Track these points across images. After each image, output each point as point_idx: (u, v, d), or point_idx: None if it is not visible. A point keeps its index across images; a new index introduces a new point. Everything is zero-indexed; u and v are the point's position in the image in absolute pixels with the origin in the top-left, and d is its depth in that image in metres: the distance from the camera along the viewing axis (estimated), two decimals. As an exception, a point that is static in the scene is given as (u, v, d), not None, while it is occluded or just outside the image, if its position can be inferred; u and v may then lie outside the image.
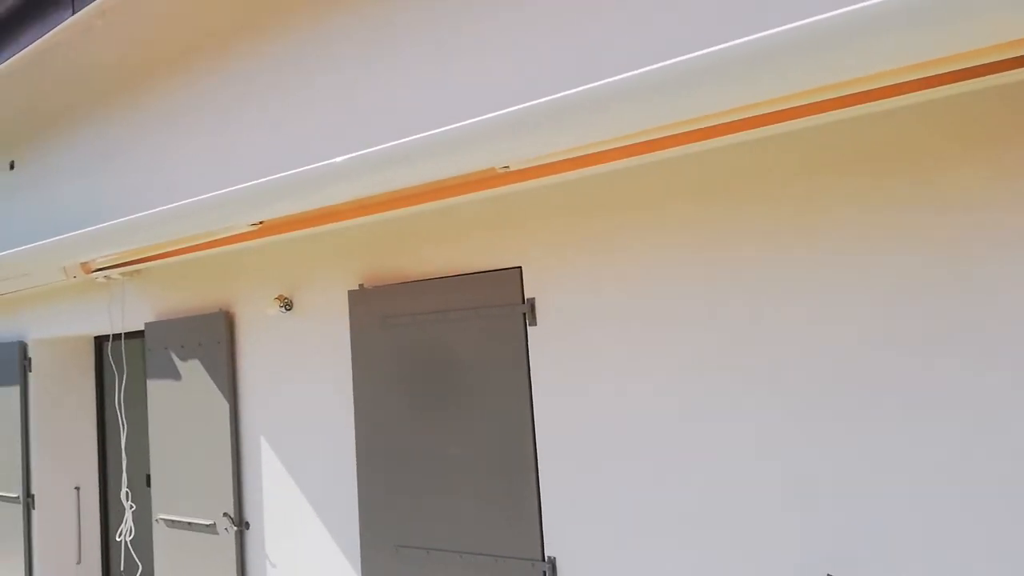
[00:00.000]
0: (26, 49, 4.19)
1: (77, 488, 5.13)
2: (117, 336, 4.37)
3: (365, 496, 3.12)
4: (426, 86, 2.94)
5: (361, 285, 3.20)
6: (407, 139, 2.10)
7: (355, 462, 3.18)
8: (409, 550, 2.97)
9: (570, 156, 2.20)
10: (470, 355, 2.85)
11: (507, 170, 2.28)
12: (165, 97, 4.11)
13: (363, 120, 3.18)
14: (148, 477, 4.84)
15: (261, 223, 3.13)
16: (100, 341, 5.30)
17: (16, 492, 4.97)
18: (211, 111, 3.85)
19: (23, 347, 5.02)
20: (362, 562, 3.12)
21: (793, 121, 1.94)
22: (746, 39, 1.50)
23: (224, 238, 3.46)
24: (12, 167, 5.25)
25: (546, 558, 2.65)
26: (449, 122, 2.08)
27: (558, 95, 1.67)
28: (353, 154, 2.22)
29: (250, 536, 3.64)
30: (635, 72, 1.54)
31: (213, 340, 3.78)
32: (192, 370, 3.87)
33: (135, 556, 4.29)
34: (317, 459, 3.39)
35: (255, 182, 2.48)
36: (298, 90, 3.45)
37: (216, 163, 3.80)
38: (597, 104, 1.60)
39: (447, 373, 2.90)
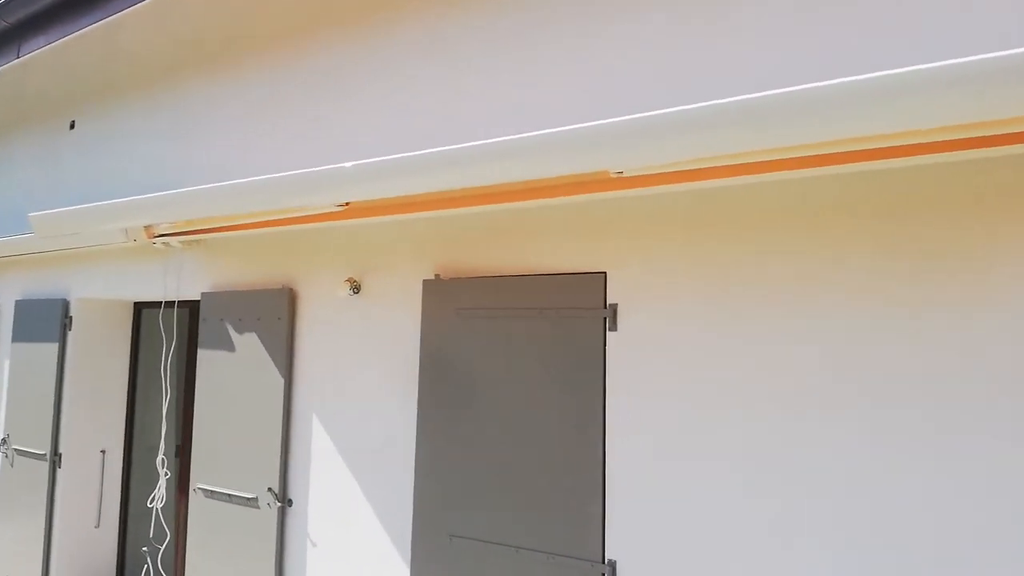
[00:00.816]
0: (109, 18, 4.26)
1: (103, 451, 5.15)
2: (168, 303, 4.40)
3: (422, 483, 3.16)
4: (555, 85, 3.02)
5: (437, 275, 3.25)
6: (533, 133, 2.16)
7: (414, 449, 3.22)
8: (463, 540, 3.01)
9: (683, 168, 2.27)
10: (544, 353, 2.91)
11: (620, 175, 2.35)
12: (244, 74, 4.17)
13: (458, 116, 3.25)
14: (178, 447, 4.87)
15: (347, 204, 3.19)
16: (139, 307, 5.34)
17: (44, 450, 4.98)
18: (292, 94, 3.92)
19: (65, 305, 5.05)
20: (412, 548, 3.15)
21: (905, 159, 2.01)
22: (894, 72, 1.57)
23: (297, 217, 3.52)
24: (72, 127, 5.30)
25: (606, 560, 2.70)
26: (569, 121, 2.16)
27: (712, 103, 1.74)
28: (475, 143, 2.27)
29: (292, 513, 3.67)
30: (807, 87, 1.62)
31: (273, 316, 3.82)
32: (247, 343, 3.91)
33: (164, 524, 4.31)
34: (371, 443, 3.43)
35: (372, 159, 2.52)
36: (386, 80, 3.52)
37: (296, 142, 3.87)
38: (755, 116, 1.67)
39: (519, 369, 2.96)
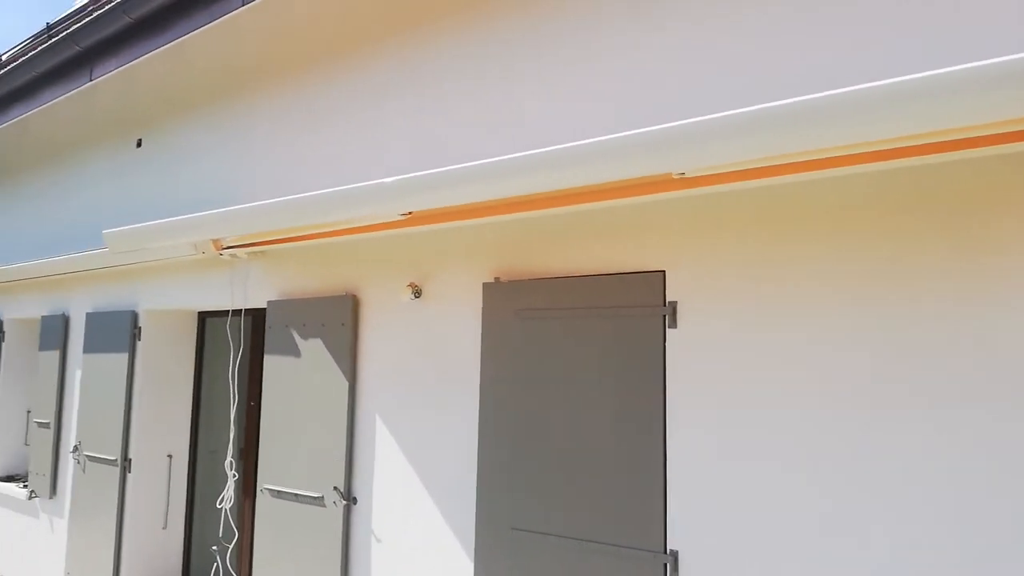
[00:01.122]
0: (175, 41, 4.50)
1: (169, 456, 5.36)
2: (236, 312, 4.59)
3: (485, 477, 3.26)
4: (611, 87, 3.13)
5: (497, 278, 3.37)
6: (606, 137, 2.25)
7: (476, 445, 3.33)
8: (525, 533, 3.10)
9: (746, 167, 2.35)
10: (604, 352, 3.00)
11: (682, 176, 2.44)
12: (300, 91, 4.37)
13: (513, 120, 3.38)
14: (241, 450, 5.05)
15: (410, 214, 3.33)
16: (203, 317, 5.56)
17: (115, 455, 5.20)
18: (354, 104, 4.10)
19: (134, 316, 5.29)
20: (476, 542, 3.25)
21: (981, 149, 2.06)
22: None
23: (360, 227, 3.67)
24: (139, 145, 5.57)
25: (668, 551, 2.76)
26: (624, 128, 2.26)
27: (785, 102, 1.83)
28: (536, 151, 2.38)
29: (357, 511, 3.80)
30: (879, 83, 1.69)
31: (337, 321, 3.98)
32: (312, 348, 4.07)
33: (233, 523, 4.47)
34: (434, 441, 3.54)
35: (442, 168, 2.66)
36: (439, 86, 3.67)
37: (355, 157, 4.04)
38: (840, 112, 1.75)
39: (579, 367, 3.05)
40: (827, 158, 2.22)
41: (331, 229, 3.72)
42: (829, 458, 2.48)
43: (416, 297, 3.69)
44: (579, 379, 3.05)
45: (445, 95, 3.70)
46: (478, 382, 3.38)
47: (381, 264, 3.91)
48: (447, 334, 3.56)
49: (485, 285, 3.40)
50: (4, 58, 7.15)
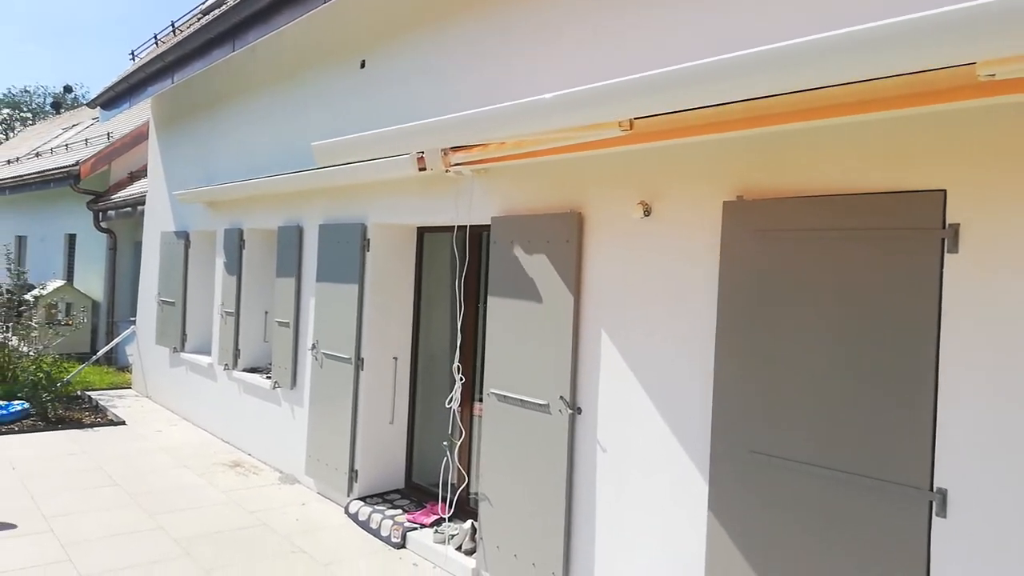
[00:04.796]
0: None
1: (395, 358, 5.83)
2: (461, 227, 4.79)
3: (722, 396, 3.24)
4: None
5: (739, 197, 3.24)
6: (899, 19, 2.01)
7: (712, 363, 3.29)
8: (766, 458, 3.07)
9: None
10: (863, 274, 2.81)
11: (991, 78, 2.16)
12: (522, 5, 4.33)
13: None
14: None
15: (631, 127, 3.24)
16: (421, 232, 5.88)
17: (348, 355, 5.74)
18: (574, 20, 4.01)
19: (364, 229, 5.70)
20: (711, 462, 3.27)
21: None
22: None
23: (584, 143, 3.64)
24: (363, 66, 5.84)
25: (935, 488, 2.62)
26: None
27: None
28: (833, 32, 2.16)
29: (582, 420, 3.95)
30: None
31: (561, 238, 4.04)
32: (536, 264, 4.18)
33: (461, 424, 4.83)
34: (663, 357, 3.56)
35: (662, 70, 2.54)
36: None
37: (583, 68, 3.98)
38: None
39: (831, 289, 2.89)
40: None
41: (555, 145, 3.73)
42: None
43: (646, 215, 3.64)
44: (832, 301, 2.90)
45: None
46: (715, 301, 3.31)
47: (608, 181, 3.89)
48: (680, 252, 3.51)
49: (726, 203, 3.28)
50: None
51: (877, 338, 2.77)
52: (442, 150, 4.43)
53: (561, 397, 3.99)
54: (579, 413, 3.96)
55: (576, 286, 3.98)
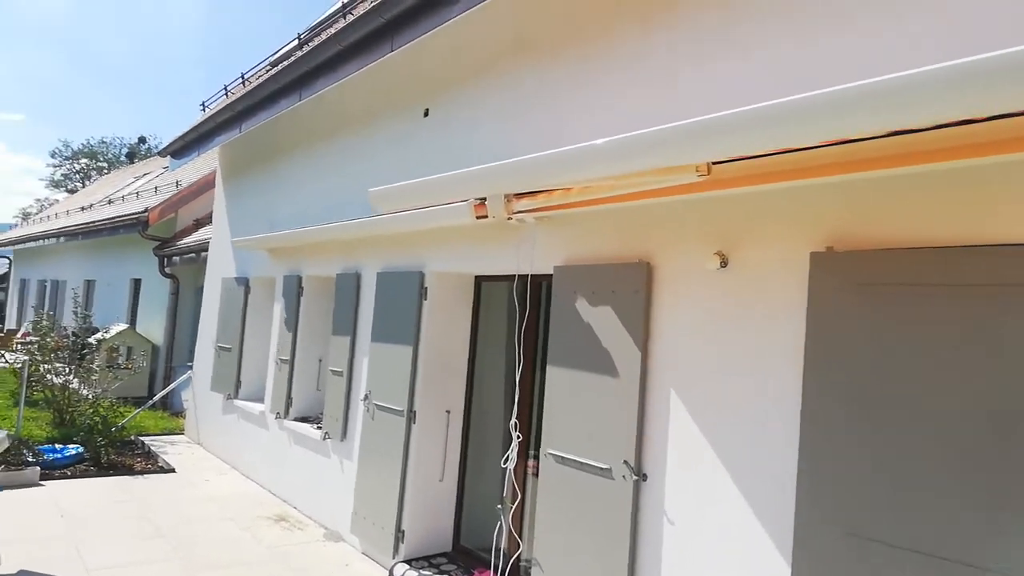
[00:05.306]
0: (467, 11, 4.54)
1: (448, 411, 5.60)
2: (521, 277, 4.59)
3: (811, 467, 2.89)
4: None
5: (829, 247, 2.96)
6: None
7: (798, 428, 2.97)
8: (868, 543, 2.70)
9: None
10: (997, 340, 2.47)
11: None
12: (610, 50, 4.20)
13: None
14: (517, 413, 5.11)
15: (708, 172, 3.01)
16: (479, 281, 5.71)
17: (401, 406, 5.54)
18: (644, 68, 3.85)
19: (421, 277, 5.56)
20: (796, 542, 2.92)
21: None
22: None
23: (656, 190, 3.43)
24: (426, 114, 5.80)
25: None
26: None
27: None
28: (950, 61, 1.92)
29: (647, 488, 3.63)
30: None
31: (629, 289, 3.80)
32: (600, 316, 3.94)
33: (516, 485, 4.54)
34: (740, 420, 3.25)
35: (736, 109, 2.31)
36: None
37: (651, 116, 3.80)
38: None
39: (954, 355, 2.56)
40: None
41: (624, 191, 3.52)
42: None
43: (723, 266, 3.38)
44: (954, 366, 2.56)
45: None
46: (801, 359, 3.00)
47: (680, 230, 3.66)
48: (761, 306, 3.22)
49: (813, 255, 3.00)
50: (303, 37, 7.89)
51: (1013, 414, 2.42)
52: (505, 197, 4.27)
53: (625, 461, 3.69)
54: (644, 480, 3.65)
55: (643, 341, 3.71)
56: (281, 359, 7.73)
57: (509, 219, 4.40)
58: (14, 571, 4.96)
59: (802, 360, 3.00)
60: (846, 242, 2.93)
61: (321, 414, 7.12)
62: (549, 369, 4.25)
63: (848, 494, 2.77)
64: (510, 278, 4.86)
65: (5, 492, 6.84)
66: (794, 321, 3.08)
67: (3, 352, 10.63)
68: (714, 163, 2.97)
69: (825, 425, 2.88)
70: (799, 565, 2.90)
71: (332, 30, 6.28)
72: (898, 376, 2.68)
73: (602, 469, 3.81)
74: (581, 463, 3.93)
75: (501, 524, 4.69)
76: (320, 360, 7.59)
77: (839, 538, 2.78)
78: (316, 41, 6.53)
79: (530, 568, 4.31)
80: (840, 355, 2.86)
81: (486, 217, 4.48)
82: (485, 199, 4.44)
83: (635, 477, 3.65)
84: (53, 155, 51.27)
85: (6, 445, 6.36)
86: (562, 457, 4.05)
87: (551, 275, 4.37)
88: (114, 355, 12.34)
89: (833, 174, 2.84)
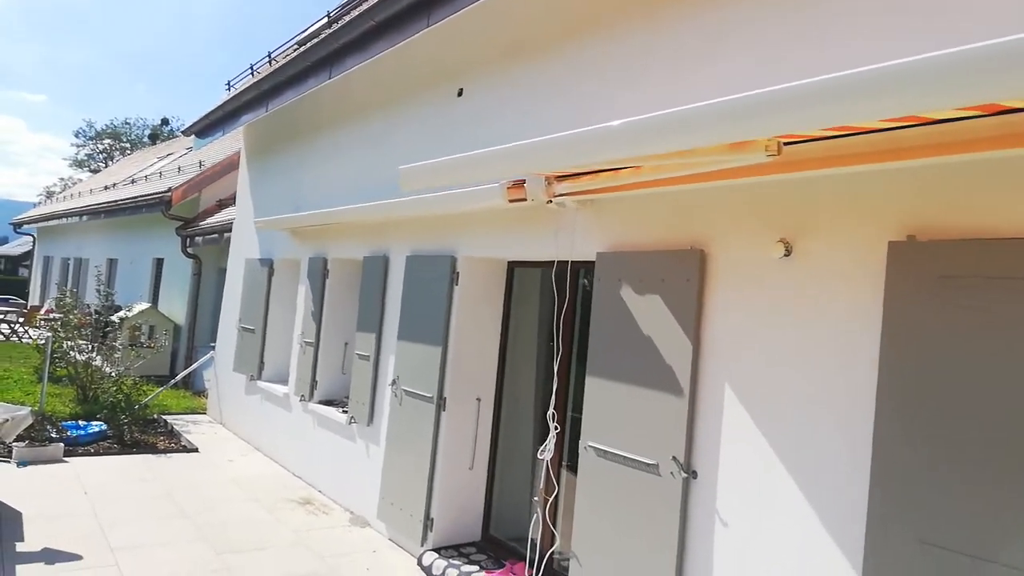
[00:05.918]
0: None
1: (478, 399, 5.46)
2: (560, 263, 4.41)
3: (884, 470, 2.70)
4: None
5: (911, 236, 2.76)
6: None
7: (871, 428, 2.77)
8: (945, 553, 2.51)
9: None
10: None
11: None
12: (653, 26, 3.99)
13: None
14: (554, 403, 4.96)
15: (779, 153, 2.79)
16: (511, 267, 5.54)
17: (431, 393, 5.40)
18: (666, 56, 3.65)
19: (453, 262, 5.40)
20: (866, 551, 2.74)
21: None
22: None
23: (713, 172, 3.24)
24: (460, 94, 5.62)
25: None
26: None
27: None
28: None
29: (697, 486, 3.46)
30: None
31: (679, 278, 3.62)
32: (647, 305, 3.76)
33: (553, 477, 4.39)
34: (804, 419, 3.07)
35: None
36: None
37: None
38: None
39: (1038, 354, 2.37)
40: None
41: (679, 174, 3.31)
42: None
43: (787, 255, 3.19)
44: (1036, 369, 2.37)
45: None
46: (875, 358, 2.81)
47: (737, 215, 3.46)
48: (829, 299, 3.03)
49: (892, 244, 2.80)
50: (332, 15, 7.71)
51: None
52: (546, 179, 4.07)
53: (673, 458, 3.52)
54: (694, 478, 3.48)
55: (695, 332, 3.53)
56: (306, 341, 7.62)
57: (549, 202, 4.22)
58: (38, 548, 4.90)
59: (874, 357, 2.80)
60: (931, 231, 2.72)
61: (346, 398, 7.01)
62: (590, 359, 4.08)
63: (925, 500, 2.58)
64: (544, 264, 4.68)
65: (29, 467, 6.81)
66: (865, 315, 2.88)
67: (27, 328, 10.61)
68: (786, 143, 2.77)
69: (902, 429, 2.68)
70: (868, 572, 2.72)
71: (365, 6, 6.09)
72: (982, 377, 2.49)
73: (648, 465, 3.64)
74: (624, 457, 3.77)
75: (536, 516, 4.54)
76: (346, 344, 7.47)
77: (912, 545, 2.60)
78: (347, 18, 6.34)
79: (566, 562, 4.17)
80: (919, 352, 2.66)
81: (522, 200, 4.29)
82: (520, 182, 4.24)
83: (684, 474, 3.48)
84: (77, 135, 51.67)
85: (30, 421, 6.31)
86: (604, 451, 3.89)
87: (591, 262, 4.20)
88: (136, 333, 12.31)
89: (915, 157, 2.64)
